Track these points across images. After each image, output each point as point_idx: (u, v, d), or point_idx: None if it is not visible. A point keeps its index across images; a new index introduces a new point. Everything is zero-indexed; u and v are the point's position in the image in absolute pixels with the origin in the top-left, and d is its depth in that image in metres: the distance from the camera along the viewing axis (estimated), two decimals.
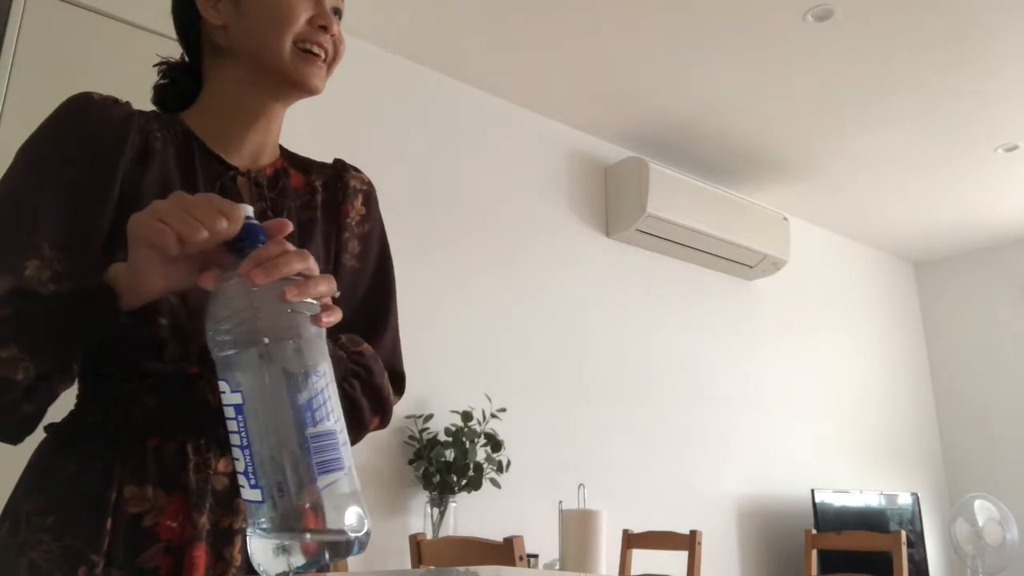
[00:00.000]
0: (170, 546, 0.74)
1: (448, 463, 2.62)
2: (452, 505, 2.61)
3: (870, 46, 2.99)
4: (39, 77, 1.82)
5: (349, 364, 0.84)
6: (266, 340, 0.58)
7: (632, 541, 2.77)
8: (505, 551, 1.68)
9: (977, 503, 4.20)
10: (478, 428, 2.74)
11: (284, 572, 0.55)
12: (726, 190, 3.93)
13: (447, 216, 3.05)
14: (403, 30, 2.94)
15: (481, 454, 2.71)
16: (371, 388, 0.86)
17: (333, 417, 0.58)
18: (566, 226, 3.53)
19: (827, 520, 3.79)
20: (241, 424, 0.57)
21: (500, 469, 2.75)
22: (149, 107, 0.91)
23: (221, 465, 0.78)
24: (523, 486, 2.94)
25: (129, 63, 1.97)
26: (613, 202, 3.67)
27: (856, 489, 4.14)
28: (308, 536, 0.55)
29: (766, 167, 3.97)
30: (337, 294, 0.66)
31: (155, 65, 0.93)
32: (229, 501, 0.77)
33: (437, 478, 2.62)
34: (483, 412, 2.78)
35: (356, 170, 0.98)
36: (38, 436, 0.80)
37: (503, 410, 2.80)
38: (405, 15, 2.85)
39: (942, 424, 5.08)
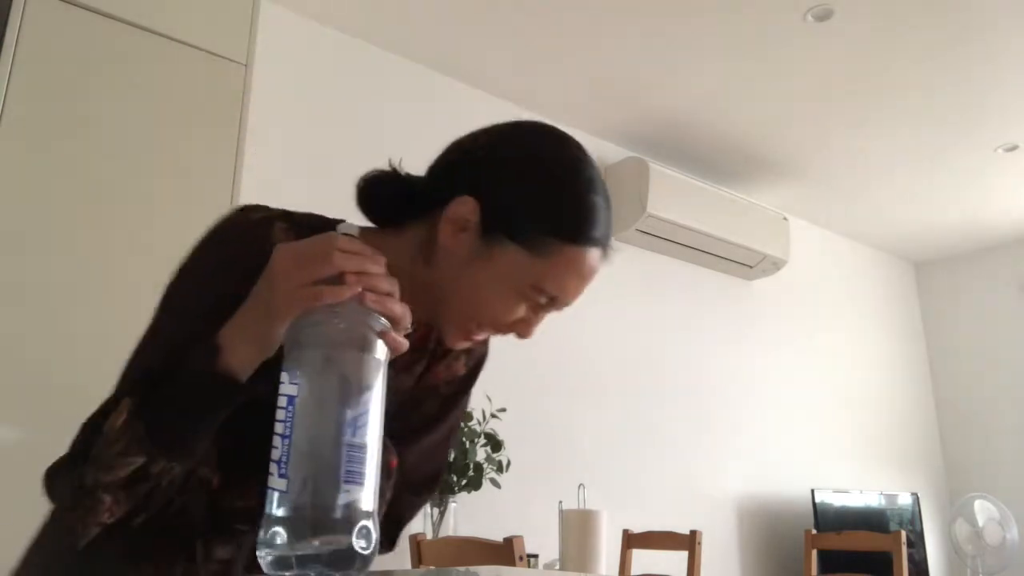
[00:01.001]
0: None
1: (448, 463, 2.62)
2: (452, 505, 2.61)
3: (870, 46, 2.99)
4: (39, 77, 1.82)
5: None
6: (337, 346, 0.62)
7: (632, 541, 2.77)
8: (505, 551, 1.68)
9: (977, 503, 4.20)
10: (478, 428, 2.74)
11: (285, 561, 0.56)
12: (726, 190, 3.93)
13: None
14: (403, 31, 2.94)
15: (481, 454, 2.71)
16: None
17: (370, 437, 0.60)
18: None
19: (827, 520, 3.79)
20: (289, 414, 0.59)
21: (500, 469, 2.74)
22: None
23: (219, 552, 0.77)
24: (523, 486, 2.94)
25: (129, 63, 1.98)
26: (613, 202, 3.67)
27: (856, 489, 4.14)
28: (315, 535, 0.57)
29: (766, 167, 3.97)
30: (409, 329, 0.66)
31: (390, 163, 0.83)
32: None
33: None
34: (483, 412, 2.77)
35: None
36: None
37: (503, 410, 2.80)
38: (405, 15, 2.84)
39: (942, 424, 5.07)
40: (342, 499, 0.57)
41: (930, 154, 3.83)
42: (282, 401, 0.60)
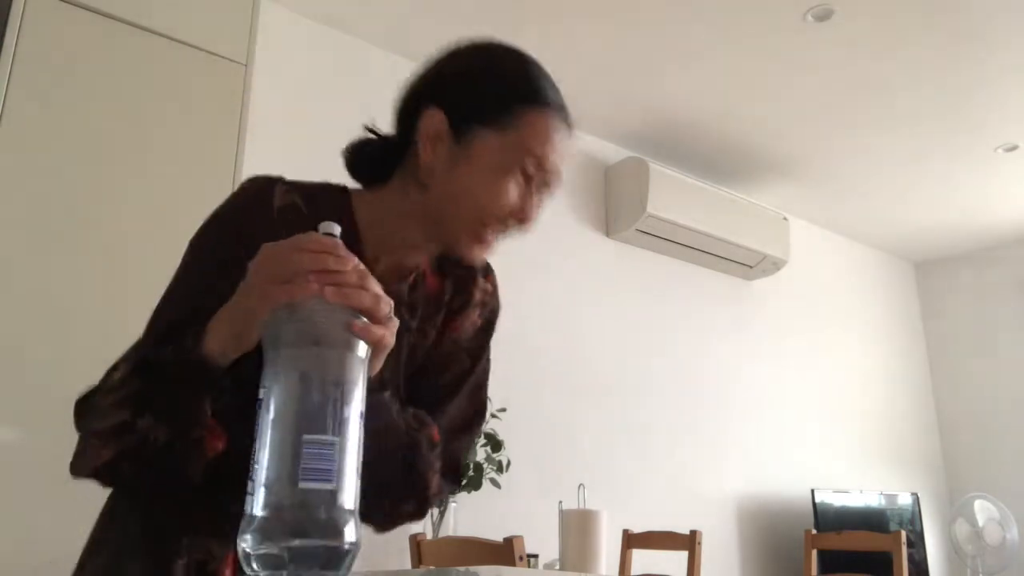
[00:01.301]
0: None
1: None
2: (452, 505, 2.61)
3: (870, 46, 2.99)
4: (39, 77, 1.82)
5: (404, 437, 0.84)
6: (291, 344, 0.62)
7: (632, 541, 2.77)
8: (505, 551, 1.68)
9: (977, 503, 4.20)
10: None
11: (248, 559, 0.56)
12: (726, 190, 3.93)
13: None
14: (402, 30, 2.94)
15: (481, 454, 2.71)
16: (414, 471, 0.85)
17: (339, 434, 0.59)
18: (566, 226, 3.53)
19: (827, 520, 3.79)
20: (259, 415, 0.60)
21: (500, 469, 2.74)
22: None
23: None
24: (523, 486, 2.94)
25: (129, 63, 1.98)
26: (613, 202, 3.68)
27: (856, 489, 4.14)
28: (280, 535, 0.56)
29: (766, 167, 3.97)
30: (390, 316, 0.68)
31: (366, 127, 0.93)
32: None
33: None
34: None
35: (485, 279, 0.98)
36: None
37: (503, 410, 2.80)
38: (405, 16, 2.85)
39: (942, 424, 5.08)
40: (297, 497, 0.56)
41: (930, 154, 3.83)
42: (258, 404, 0.61)
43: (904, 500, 4.30)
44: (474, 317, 0.95)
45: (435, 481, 0.88)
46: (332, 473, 0.57)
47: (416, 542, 2.18)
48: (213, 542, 0.81)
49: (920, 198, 4.34)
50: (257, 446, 0.59)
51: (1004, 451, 4.72)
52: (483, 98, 0.84)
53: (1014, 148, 3.75)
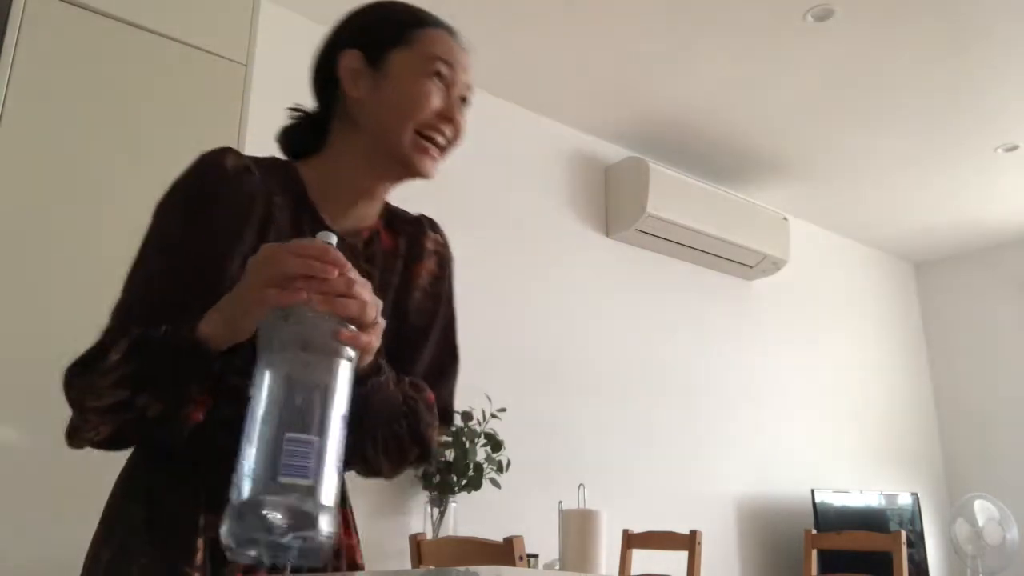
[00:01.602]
0: (246, 568, 0.81)
1: (448, 463, 2.62)
2: (452, 505, 2.61)
3: (870, 46, 2.99)
4: (39, 77, 1.82)
5: (403, 407, 0.90)
6: (277, 350, 0.67)
7: (632, 541, 2.77)
8: (505, 551, 1.68)
9: (977, 503, 4.20)
10: (478, 428, 2.74)
11: (229, 547, 0.61)
12: (726, 190, 3.93)
13: (446, 216, 3.02)
14: None
15: (481, 454, 2.71)
16: (416, 434, 0.92)
17: (320, 434, 0.63)
18: (566, 226, 3.53)
19: (827, 520, 3.78)
20: (247, 411, 0.65)
21: (500, 469, 2.74)
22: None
23: None
24: (523, 486, 2.94)
25: (129, 63, 1.98)
26: (613, 202, 3.68)
27: (856, 489, 4.14)
28: (259, 523, 0.60)
29: (766, 167, 3.97)
30: (378, 321, 0.74)
31: (288, 108, 1.02)
32: None
33: (437, 478, 2.62)
34: (483, 412, 2.78)
35: (435, 230, 1.07)
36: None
37: (503, 410, 2.80)
38: None
39: (942, 424, 5.07)
40: (283, 493, 0.60)
41: (930, 154, 3.83)
42: (248, 399, 0.66)
43: (904, 500, 4.30)
44: (431, 266, 1.03)
45: (434, 436, 0.95)
46: (310, 470, 0.62)
47: (416, 542, 2.18)
48: None
49: (920, 198, 4.34)
50: (244, 439, 0.63)
51: (1004, 451, 4.72)
52: (386, 27, 0.96)
53: (1014, 148, 3.75)
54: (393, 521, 2.67)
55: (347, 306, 0.70)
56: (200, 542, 0.82)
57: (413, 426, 0.91)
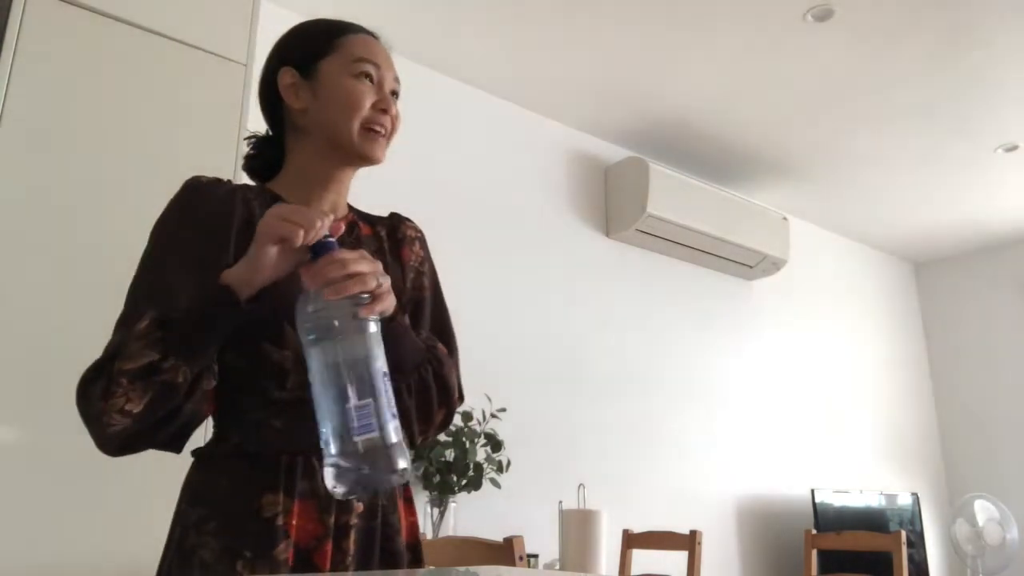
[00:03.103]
0: (297, 543, 0.90)
1: (448, 463, 2.62)
2: (452, 505, 2.61)
3: (870, 46, 2.99)
4: (39, 77, 1.82)
5: (427, 354, 1.03)
6: (332, 336, 0.81)
7: (632, 541, 2.77)
8: (505, 551, 1.68)
9: (977, 503, 4.20)
10: (478, 428, 2.74)
11: (334, 489, 0.80)
12: (726, 190, 3.93)
13: (446, 216, 3.05)
14: (403, 30, 2.93)
15: (481, 454, 2.71)
16: (440, 377, 1.03)
17: (373, 395, 0.80)
18: (566, 226, 3.53)
19: (827, 520, 3.79)
20: (311, 388, 0.82)
21: (500, 469, 2.74)
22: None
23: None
24: (523, 486, 2.94)
25: (129, 63, 1.98)
26: (613, 202, 3.68)
27: (856, 489, 4.14)
28: (349, 469, 0.79)
29: (766, 167, 3.97)
30: (384, 286, 0.86)
31: (245, 138, 1.14)
32: (347, 502, 0.94)
33: (437, 478, 2.62)
34: (483, 412, 2.78)
35: (409, 221, 1.18)
36: (186, 459, 0.98)
37: (503, 410, 2.80)
38: (404, 15, 2.85)
39: (942, 424, 5.08)
40: (355, 445, 0.78)
41: (930, 154, 3.83)
42: (309, 387, 0.82)
43: (904, 500, 4.30)
44: (416, 248, 1.15)
45: (456, 381, 1.07)
46: (374, 425, 0.79)
47: None
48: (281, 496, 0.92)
49: (920, 198, 4.34)
50: (318, 417, 0.80)
51: (1004, 451, 4.72)
52: (311, 41, 1.07)
53: (1014, 148, 3.75)
54: None
55: (353, 286, 0.82)
56: (254, 526, 0.89)
57: (437, 370, 1.03)
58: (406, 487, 1.03)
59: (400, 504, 1.01)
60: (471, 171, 3.21)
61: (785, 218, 4.09)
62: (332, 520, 0.92)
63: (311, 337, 0.81)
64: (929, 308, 5.27)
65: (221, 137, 2.03)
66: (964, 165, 3.93)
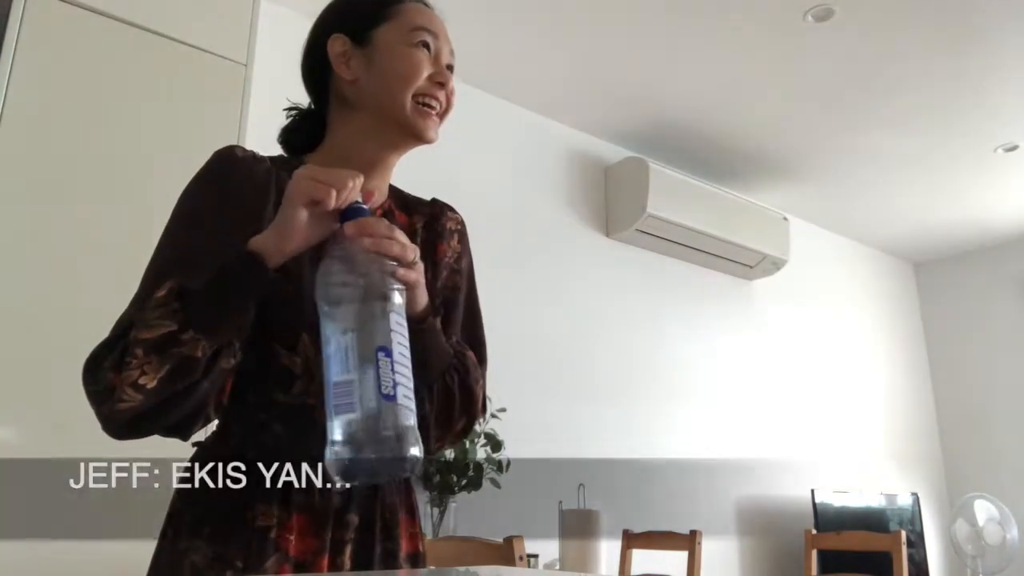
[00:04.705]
0: (290, 557, 0.86)
1: (448, 463, 2.62)
2: (452, 505, 2.61)
3: (870, 46, 2.99)
4: (39, 77, 1.82)
5: (453, 359, 0.97)
6: (351, 299, 0.76)
7: (632, 541, 2.77)
8: (505, 551, 1.68)
9: (977, 503, 4.20)
10: (478, 428, 2.74)
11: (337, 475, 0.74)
12: (726, 190, 3.93)
13: None
14: None
15: (481, 454, 2.71)
16: (466, 387, 0.98)
17: (362, 369, 0.73)
18: (566, 226, 3.53)
19: (827, 520, 3.78)
20: (325, 362, 0.75)
21: (500, 469, 2.74)
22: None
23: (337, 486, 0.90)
24: (523, 486, 2.94)
25: (129, 63, 1.98)
26: (613, 202, 3.67)
27: (856, 489, 4.14)
28: (339, 454, 0.73)
29: (766, 167, 3.97)
30: (416, 260, 0.82)
31: (285, 109, 1.07)
32: (342, 517, 0.89)
33: (437, 478, 2.61)
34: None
35: (452, 211, 1.11)
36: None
37: (503, 410, 2.80)
38: None
39: (942, 424, 5.07)
40: (354, 423, 0.72)
41: (930, 154, 3.83)
42: (325, 356, 0.76)
43: (904, 500, 4.30)
44: (453, 243, 1.09)
45: (481, 392, 1.02)
46: (355, 404, 0.72)
47: None
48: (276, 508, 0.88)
49: (920, 198, 4.33)
50: (324, 380, 0.74)
51: (1004, 451, 4.72)
52: (366, 7, 1.00)
53: (1014, 148, 3.75)
54: None
55: (391, 246, 0.78)
56: (247, 536, 0.86)
57: (463, 378, 0.98)
58: (409, 497, 0.99)
59: (402, 517, 0.96)
60: (471, 171, 3.21)
61: (785, 218, 4.09)
62: (329, 535, 0.89)
63: (337, 292, 0.76)
64: (929, 308, 5.27)
65: (221, 137, 2.03)
66: (964, 165, 3.93)
